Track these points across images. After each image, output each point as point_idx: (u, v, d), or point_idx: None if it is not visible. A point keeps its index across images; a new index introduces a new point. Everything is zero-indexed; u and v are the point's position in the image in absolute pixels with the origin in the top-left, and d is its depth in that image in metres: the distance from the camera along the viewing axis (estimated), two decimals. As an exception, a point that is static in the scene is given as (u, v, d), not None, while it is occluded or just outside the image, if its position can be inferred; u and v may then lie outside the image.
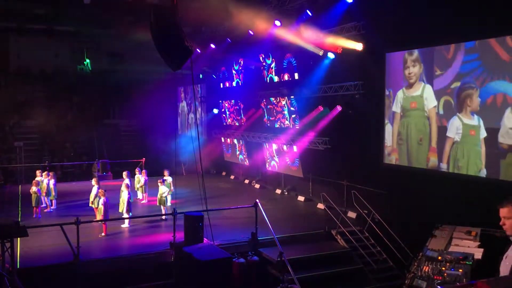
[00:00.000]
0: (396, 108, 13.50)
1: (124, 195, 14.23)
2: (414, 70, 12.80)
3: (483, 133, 10.96)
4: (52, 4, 21.79)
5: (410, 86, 13.00)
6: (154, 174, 18.77)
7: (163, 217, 14.80)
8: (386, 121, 13.92)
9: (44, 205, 16.14)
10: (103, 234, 13.15)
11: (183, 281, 10.86)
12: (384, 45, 13.73)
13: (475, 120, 11.17)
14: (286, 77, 18.43)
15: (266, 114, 20.32)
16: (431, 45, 12.28)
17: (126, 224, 14.26)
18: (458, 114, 11.62)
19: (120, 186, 14.96)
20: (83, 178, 24.71)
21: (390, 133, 13.81)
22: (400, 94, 13.34)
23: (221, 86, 24.40)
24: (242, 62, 21.78)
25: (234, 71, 22.81)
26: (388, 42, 13.53)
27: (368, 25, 14.06)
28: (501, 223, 4.08)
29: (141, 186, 17.66)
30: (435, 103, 12.20)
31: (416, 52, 12.72)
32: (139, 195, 17.82)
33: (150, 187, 17.64)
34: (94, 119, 26.61)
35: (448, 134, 11.92)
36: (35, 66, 26.30)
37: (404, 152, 13.33)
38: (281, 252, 10.35)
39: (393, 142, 13.70)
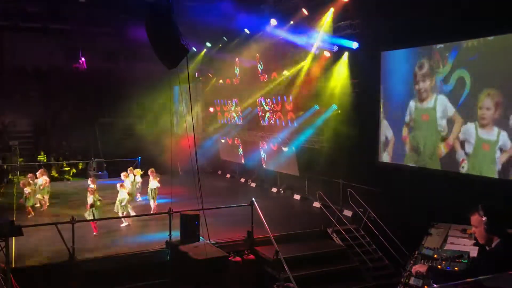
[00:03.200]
0: (409, 120, 13.18)
1: (122, 195, 14.21)
2: (425, 85, 12.41)
3: (500, 151, 10.58)
4: (47, 2, 21.70)
5: (421, 100, 12.64)
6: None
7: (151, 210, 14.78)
8: (385, 123, 13.86)
9: (38, 204, 16.04)
10: (94, 232, 13.09)
11: (179, 280, 10.84)
12: (380, 44, 13.74)
13: (493, 135, 10.70)
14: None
15: (261, 113, 20.31)
16: (427, 44, 12.29)
17: (125, 223, 14.24)
18: (476, 122, 11.20)
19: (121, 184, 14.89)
20: (79, 177, 24.68)
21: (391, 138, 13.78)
22: (411, 104, 12.99)
23: (218, 85, 24.36)
24: (238, 60, 21.75)
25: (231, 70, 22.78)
26: (384, 41, 13.55)
27: (363, 24, 14.08)
28: (472, 231, 4.11)
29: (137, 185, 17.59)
30: (450, 114, 11.82)
31: (426, 67, 12.35)
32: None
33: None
34: (89, 117, 26.51)
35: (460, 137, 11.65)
36: (30, 64, 26.17)
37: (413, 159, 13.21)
38: (277, 251, 10.35)
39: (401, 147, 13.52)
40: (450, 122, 11.84)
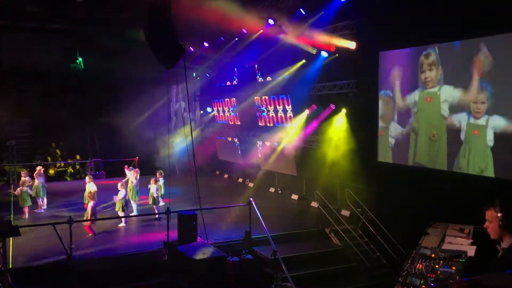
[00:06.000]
0: (414, 107, 12.92)
1: (120, 194, 14.20)
2: (431, 74, 12.15)
3: (490, 135, 10.64)
4: (45, 2, 21.62)
5: (428, 88, 12.33)
6: (148, 173, 18.67)
7: (157, 216, 14.75)
8: (389, 122, 13.82)
9: (31, 204, 15.94)
10: (89, 234, 13.08)
11: (177, 280, 10.84)
12: (378, 44, 13.76)
13: (482, 120, 10.83)
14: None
15: (259, 113, 20.32)
16: (425, 43, 12.29)
17: (123, 223, 14.23)
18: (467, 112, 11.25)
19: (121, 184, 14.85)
20: (76, 177, 24.64)
21: (396, 131, 13.68)
22: (417, 94, 12.72)
23: (216, 85, 24.36)
24: (235, 60, 21.73)
25: (228, 70, 22.76)
26: (382, 41, 13.56)
27: (361, 23, 14.09)
28: (485, 225, 4.05)
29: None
30: (452, 99, 11.59)
31: (433, 55, 12.12)
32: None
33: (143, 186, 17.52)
34: (87, 117, 26.45)
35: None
36: (27, 64, 26.08)
37: (412, 148, 12.95)
38: (275, 251, 10.38)
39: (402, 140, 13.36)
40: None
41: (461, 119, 11.40)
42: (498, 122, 10.50)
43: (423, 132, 12.56)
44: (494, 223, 3.90)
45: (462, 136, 11.37)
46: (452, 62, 11.61)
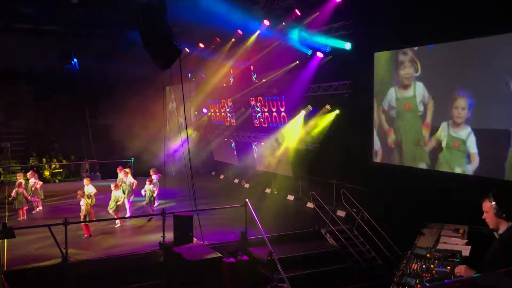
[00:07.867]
0: (388, 107, 13.38)
1: (114, 195, 14.18)
2: (410, 71, 12.56)
3: (472, 146, 10.92)
4: (40, 3, 21.56)
5: (404, 87, 12.78)
6: (144, 174, 18.63)
7: (152, 217, 14.74)
8: (377, 120, 13.96)
9: (27, 207, 15.86)
10: (85, 235, 13.01)
11: (173, 282, 10.81)
12: (372, 45, 13.80)
13: (463, 132, 11.10)
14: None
15: (254, 113, 20.32)
16: (420, 44, 12.35)
17: (118, 223, 14.21)
18: (448, 122, 11.56)
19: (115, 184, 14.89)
20: (71, 179, 24.56)
21: (378, 134, 13.83)
22: (392, 93, 13.17)
23: (212, 86, 24.32)
24: (231, 61, 21.72)
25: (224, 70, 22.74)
26: (376, 41, 13.60)
27: (356, 24, 14.14)
28: (483, 217, 4.39)
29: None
30: (426, 100, 12.10)
31: (410, 52, 12.50)
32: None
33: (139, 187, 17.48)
34: (82, 119, 26.41)
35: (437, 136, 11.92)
36: (22, 65, 25.99)
37: (398, 155, 13.24)
38: (271, 251, 10.37)
39: (384, 143, 13.64)
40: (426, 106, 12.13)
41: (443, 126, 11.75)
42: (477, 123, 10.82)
43: (408, 138, 12.93)
44: (490, 213, 4.30)
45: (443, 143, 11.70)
46: (447, 63, 11.70)
